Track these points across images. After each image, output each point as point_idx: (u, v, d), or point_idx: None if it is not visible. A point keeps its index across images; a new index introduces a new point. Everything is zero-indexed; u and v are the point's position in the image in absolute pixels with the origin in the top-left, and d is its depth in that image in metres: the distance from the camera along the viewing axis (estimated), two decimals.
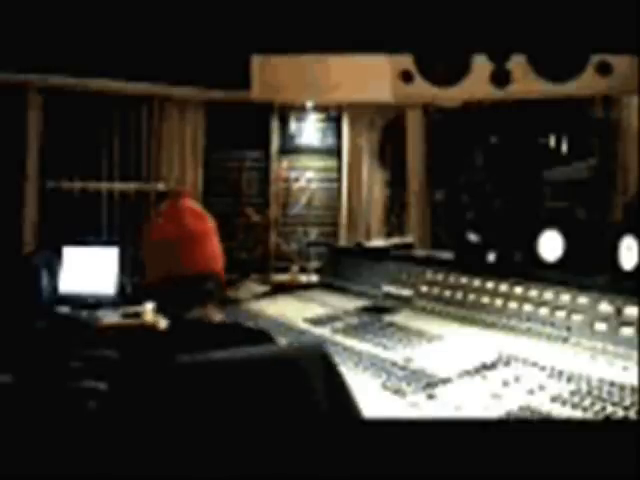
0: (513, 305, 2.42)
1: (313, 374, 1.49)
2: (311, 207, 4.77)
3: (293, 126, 4.77)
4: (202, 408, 1.35)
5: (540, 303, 2.33)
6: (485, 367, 2.05)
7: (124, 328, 3.53)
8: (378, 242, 3.88)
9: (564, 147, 4.27)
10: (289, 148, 4.78)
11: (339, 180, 4.78)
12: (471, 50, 3.41)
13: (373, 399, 1.88)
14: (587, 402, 1.73)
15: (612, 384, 1.82)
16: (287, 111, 4.73)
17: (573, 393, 1.79)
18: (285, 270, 4.55)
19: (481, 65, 3.53)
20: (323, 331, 2.63)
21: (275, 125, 4.74)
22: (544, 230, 2.55)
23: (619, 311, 2.07)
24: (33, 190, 4.19)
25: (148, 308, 3.78)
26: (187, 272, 1.54)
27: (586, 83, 3.31)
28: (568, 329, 2.20)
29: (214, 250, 1.61)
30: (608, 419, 1.64)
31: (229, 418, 1.39)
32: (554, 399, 1.77)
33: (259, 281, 4.40)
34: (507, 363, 2.07)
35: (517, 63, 3.46)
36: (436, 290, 2.79)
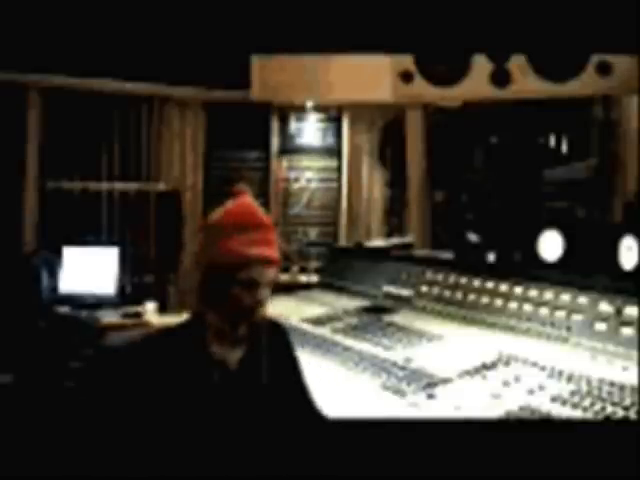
0: (513, 305, 2.42)
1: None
2: (311, 207, 4.78)
3: (293, 126, 4.77)
4: None
5: (540, 303, 2.33)
6: (485, 367, 2.05)
7: (124, 328, 3.53)
8: (378, 242, 3.88)
9: (564, 147, 4.27)
10: (289, 148, 4.78)
11: (339, 180, 4.78)
12: (471, 50, 3.41)
13: (373, 399, 1.88)
14: (587, 402, 1.73)
15: (612, 384, 1.82)
16: (287, 111, 4.73)
17: (573, 393, 1.79)
18: (285, 270, 4.55)
19: (481, 65, 3.53)
20: (323, 331, 2.63)
21: (275, 125, 4.74)
22: (544, 230, 2.55)
23: (619, 311, 2.07)
24: (33, 190, 4.19)
25: (148, 308, 3.78)
26: (219, 259, 1.51)
27: (586, 83, 3.32)
28: (568, 329, 2.20)
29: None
30: (608, 419, 1.64)
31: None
32: (554, 399, 1.77)
33: None
34: (507, 363, 2.07)
35: (517, 63, 3.46)
36: (436, 290, 2.78)
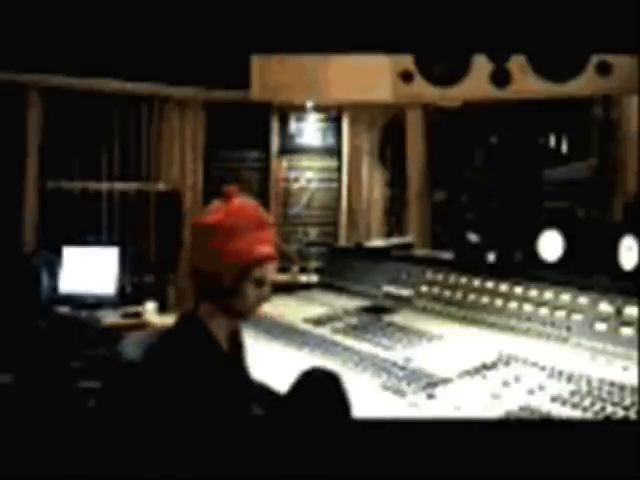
0: (513, 305, 2.42)
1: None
2: (311, 207, 4.77)
3: (293, 126, 4.76)
4: None
5: (540, 303, 2.33)
6: (485, 367, 2.05)
7: (124, 328, 3.53)
8: (378, 242, 3.87)
9: (564, 147, 4.26)
10: (289, 148, 4.78)
11: (339, 180, 4.78)
12: (471, 50, 3.41)
13: (373, 399, 1.88)
14: (587, 402, 1.73)
15: (612, 384, 1.82)
16: (287, 111, 4.73)
17: (573, 393, 1.79)
18: (285, 270, 4.54)
19: (481, 65, 3.53)
20: (323, 331, 2.63)
21: (275, 125, 4.74)
22: (544, 230, 2.55)
23: (619, 311, 2.08)
24: (33, 190, 4.19)
25: (148, 308, 3.78)
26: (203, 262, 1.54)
27: (586, 83, 3.31)
28: (568, 329, 2.20)
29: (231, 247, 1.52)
30: (608, 419, 1.64)
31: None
32: (554, 399, 1.77)
33: None
34: (507, 363, 2.07)
35: (517, 63, 3.45)
36: (436, 290, 2.79)
